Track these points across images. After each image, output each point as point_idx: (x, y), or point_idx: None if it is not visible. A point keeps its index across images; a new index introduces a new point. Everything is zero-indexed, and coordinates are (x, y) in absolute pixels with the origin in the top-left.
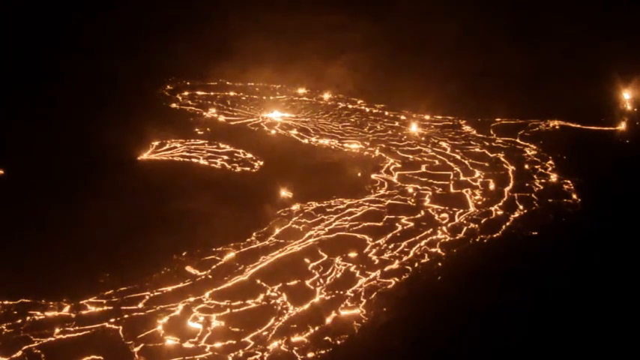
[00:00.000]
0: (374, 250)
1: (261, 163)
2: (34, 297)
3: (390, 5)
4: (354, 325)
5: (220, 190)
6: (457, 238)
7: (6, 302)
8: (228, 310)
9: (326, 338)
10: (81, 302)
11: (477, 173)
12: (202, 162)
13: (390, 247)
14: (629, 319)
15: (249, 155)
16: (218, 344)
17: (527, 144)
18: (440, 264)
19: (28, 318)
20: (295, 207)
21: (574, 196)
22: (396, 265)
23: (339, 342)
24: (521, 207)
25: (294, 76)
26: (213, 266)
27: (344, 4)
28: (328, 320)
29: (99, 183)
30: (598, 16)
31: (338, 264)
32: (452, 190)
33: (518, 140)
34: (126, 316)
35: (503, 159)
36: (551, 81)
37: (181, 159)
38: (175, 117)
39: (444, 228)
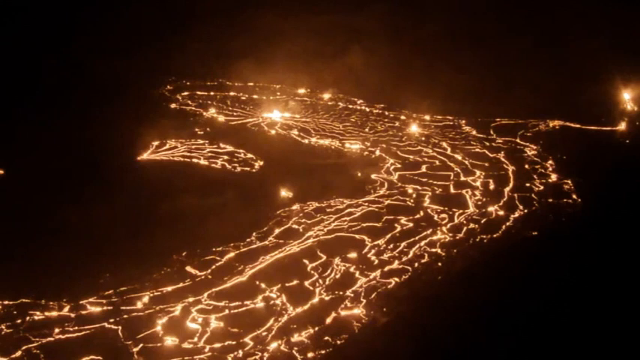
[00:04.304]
0: (373, 251)
1: (261, 163)
2: (34, 297)
3: (389, 5)
4: (354, 325)
5: (220, 190)
6: (457, 238)
7: (6, 302)
8: (227, 311)
9: (326, 338)
10: (81, 302)
11: (477, 173)
12: (202, 162)
13: (389, 247)
14: (630, 319)
15: (249, 155)
16: (217, 345)
17: (527, 144)
18: (440, 264)
19: (27, 318)
20: (295, 207)
21: (574, 196)
22: (395, 265)
23: (339, 342)
24: (521, 207)
25: (294, 76)
26: (213, 266)
27: (344, 3)
28: (328, 320)
29: (98, 183)
30: (598, 16)
31: (337, 264)
32: (452, 190)
33: (518, 140)
34: (125, 316)
35: (503, 159)
36: (552, 81)
37: (181, 159)
38: (175, 117)
39: (444, 228)
